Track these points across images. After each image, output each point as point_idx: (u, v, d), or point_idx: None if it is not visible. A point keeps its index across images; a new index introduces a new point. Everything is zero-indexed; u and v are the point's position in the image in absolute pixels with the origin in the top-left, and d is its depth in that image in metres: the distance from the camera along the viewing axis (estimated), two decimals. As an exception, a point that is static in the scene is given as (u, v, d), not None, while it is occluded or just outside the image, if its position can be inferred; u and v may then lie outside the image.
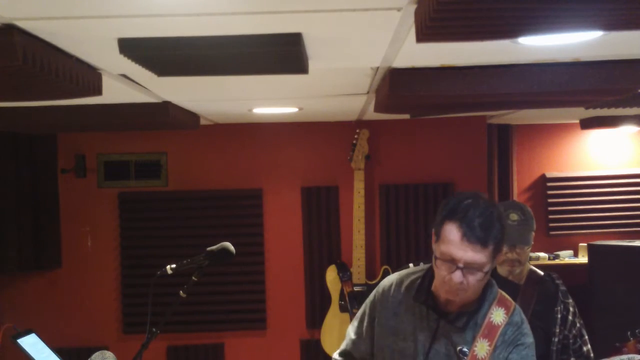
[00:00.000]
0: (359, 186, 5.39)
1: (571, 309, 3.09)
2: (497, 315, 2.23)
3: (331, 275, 5.43)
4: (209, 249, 2.80)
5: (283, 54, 2.28)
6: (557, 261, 6.32)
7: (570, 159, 6.64)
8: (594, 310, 5.43)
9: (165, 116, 3.89)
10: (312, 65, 2.56)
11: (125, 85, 3.11)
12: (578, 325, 3.09)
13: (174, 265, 2.79)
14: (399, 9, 1.89)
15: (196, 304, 5.26)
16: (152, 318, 2.73)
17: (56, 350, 3.20)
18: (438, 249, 2.14)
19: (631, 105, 4.21)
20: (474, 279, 2.09)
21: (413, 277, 2.35)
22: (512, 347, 2.20)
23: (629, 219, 6.51)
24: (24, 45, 1.99)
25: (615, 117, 5.26)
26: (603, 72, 2.78)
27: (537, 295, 3.06)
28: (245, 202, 5.62)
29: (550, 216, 6.60)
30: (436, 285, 2.22)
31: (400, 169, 5.63)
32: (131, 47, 2.20)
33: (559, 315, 3.05)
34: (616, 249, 5.60)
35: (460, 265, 2.07)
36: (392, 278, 2.43)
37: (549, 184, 6.62)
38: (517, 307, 2.30)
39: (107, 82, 2.82)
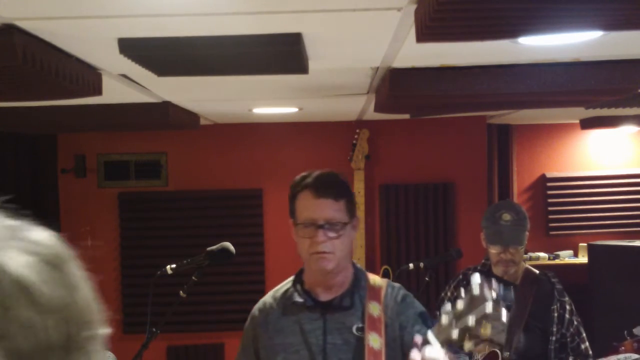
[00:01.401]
0: (359, 186, 5.39)
1: (568, 307, 3.09)
2: (376, 280, 2.30)
3: (331, 275, 5.43)
4: (209, 249, 2.80)
5: (283, 54, 2.28)
6: (557, 261, 6.32)
7: (570, 159, 6.64)
8: (594, 310, 5.43)
9: (165, 116, 3.89)
10: (312, 65, 2.56)
11: (125, 85, 3.11)
12: (575, 323, 3.09)
13: (174, 265, 2.80)
14: (399, 9, 1.89)
15: (196, 304, 5.26)
16: (152, 318, 2.74)
17: (56, 350, 3.20)
18: (298, 219, 2.21)
19: (631, 105, 4.22)
20: (337, 234, 2.17)
21: (283, 288, 2.36)
22: (402, 301, 2.26)
23: (629, 219, 6.50)
24: (24, 45, 1.99)
25: (615, 117, 5.26)
26: (603, 72, 2.78)
27: (533, 295, 3.07)
28: (245, 202, 5.62)
29: (550, 216, 6.60)
30: (308, 279, 2.28)
31: (400, 169, 5.63)
32: (131, 47, 2.20)
33: (556, 314, 3.06)
34: (616, 249, 5.59)
35: (321, 222, 2.16)
36: (262, 300, 2.42)
37: (549, 184, 6.61)
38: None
39: (107, 82, 2.82)
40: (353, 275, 2.29)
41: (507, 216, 3.07)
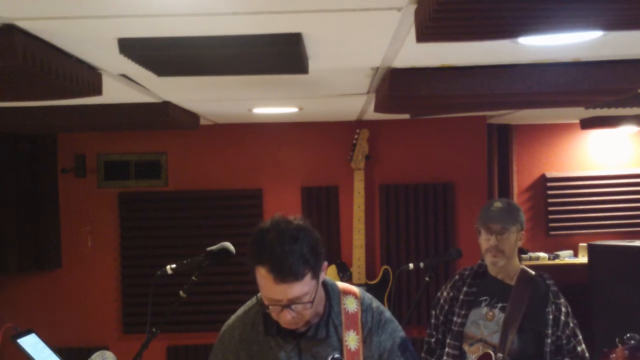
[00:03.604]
0: (359, 186, 5.39)
1: (563, 309, 3.08)
2: (350, 303, 2.22)
3: (331, 275, 5.43)
4: (209, 249, 2.80)
5: (283, 54, 2.28)
6: (557, 261, 6.32)
7: (570, 159, 6.64)
8: (594, 310, 5.43)
9: (165, 116, 3.89)
10: (312, 65, 2.56)
11: (125, 85, 3.11)
12: (571, 325, 3.08)
13: (174, 265, 2.79)
14: (399, 9, 1.89)
15: (196, 304, 5.26)
16: (152, 318, 2.74)
17: (56, 350, 3.20)
18: (261, 292, 2.09)
19: (631, 105, 4.22)
20: (304, 306, 2.06)
21: (253, 311, 2.26)
22: (379, 330, 2.21)
23: (629, 219, 6.50)
24: (24, 45, 1.99)
25: (615, 117, 5.27)
26: (603, 72, 2.78)
27: (528, 296, 3.07)
28: (245, 202, 5.62)
29: (550, 216, 6.60)
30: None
31: (400, 169, 5.63)
32: (131, 47, 2.20)
33: (551, 316, 3.05)
34: (616, 249, 5.59)
35: (284, 304, 2.04)
36: (232, 323, 2.31)
37: (549, 184, 6.62)
38: (360, 289, 2.30)
39: (107, 82, 2.83)
40: (326, 302, 2.20)
41: (498, 204, 3.16)
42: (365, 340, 2.18)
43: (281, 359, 2.17)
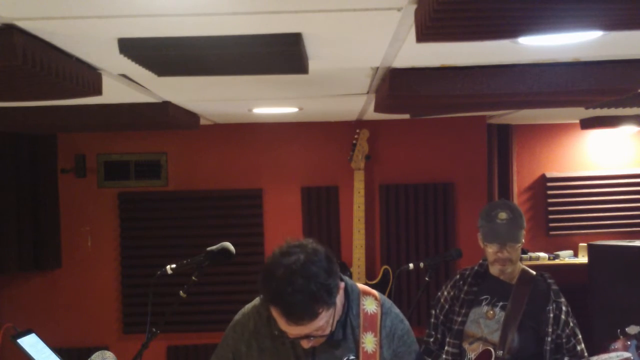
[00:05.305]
0: (359, 186, 5.39)
1: (564, 308, 3.09)
2: (369, 304, 2.20)
3: (331, 275, 5.43)
4: (209, 249, 2.80)
5: (283, 54, 2.28)
6: (557, 261, 6.31)
7: (570, 159, 6.64)
8: (594, 310, 5.43)
9: (165, 116, 3.89)
10: (312, 65, 2.56)
11: (125, 85, 3.11)
12: (571, 324, 3.09)
13: (174, 265, 2.80)
14: (399, 9, 1.89)
15: (196, 304, 5.26)
16: (152, 318, 2.74)
17: (56, 350, 3.21)
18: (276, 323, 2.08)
19: (631, 105, 4.22)
20: (321, 336, 2.06)
21: (266, 306, 2.18)
22: (399, 340, 2.21)
23: (629, 219, 6.50)
24: (24, 45, 1.99)
25: (615, 117, 5.27)
26: (603, 72, 2.78)
27: (529, 295, 3.07)
28: (245, 202, 5.62)
29: (550, 216, 6.59)
30: None
31: (400, 169, 5.63)
32: (131, 47, 2.20)
33: (551, 315, 3.05)
34: (616, 249, 5.59)
35: (302, 337, 2.04)
36: (248, 312, 2.28)
37: (549, 184, 6.61)
38: (379, 292, 2.28)
39: (107, 82, 2.82)
40: (345, 303, 2.18)
41: (503, 215, 3.07)
42: (383, 343, 2.17)
43: (294, 355, 2.16)
